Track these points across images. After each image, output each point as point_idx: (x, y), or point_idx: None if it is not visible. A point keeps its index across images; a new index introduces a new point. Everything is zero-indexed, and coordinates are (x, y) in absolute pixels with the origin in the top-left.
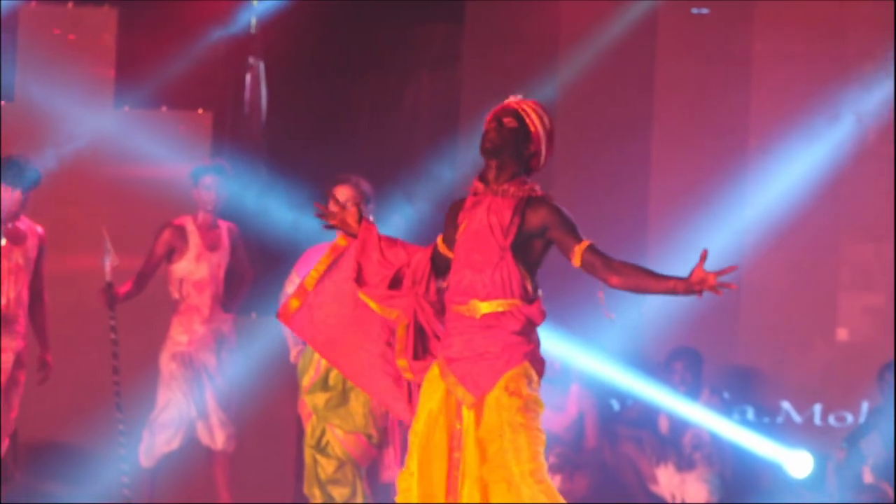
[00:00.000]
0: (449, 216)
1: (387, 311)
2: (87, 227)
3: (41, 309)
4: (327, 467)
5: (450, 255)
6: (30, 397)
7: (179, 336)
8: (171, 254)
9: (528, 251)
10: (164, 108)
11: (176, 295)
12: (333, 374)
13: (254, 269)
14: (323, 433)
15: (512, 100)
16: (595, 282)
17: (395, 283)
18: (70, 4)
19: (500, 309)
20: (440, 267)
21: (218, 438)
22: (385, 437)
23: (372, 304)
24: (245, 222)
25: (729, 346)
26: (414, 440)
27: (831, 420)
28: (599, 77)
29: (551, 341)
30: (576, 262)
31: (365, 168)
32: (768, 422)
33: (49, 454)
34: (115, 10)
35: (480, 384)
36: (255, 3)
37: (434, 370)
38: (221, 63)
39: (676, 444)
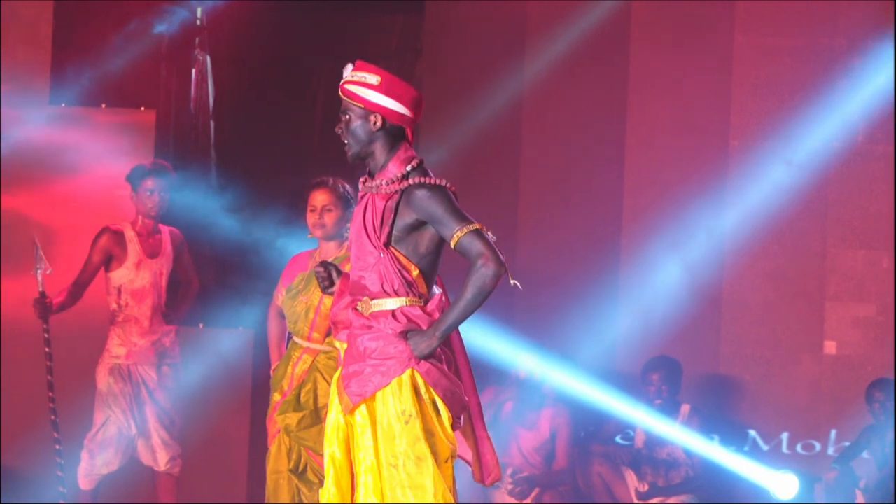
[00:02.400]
0: None
1: None
2: (18, 234)
3: None
4: (311, 496)
5: None
6: None
7: (117, 349)
8: (109, 261)
9: (415, 245)
10: (103, 106)
11: (114, 305)
12: (304, 391)
13: (201, 277)
14: (300, 456)
15: (341, 81)
16: (572, 295)
17: None
18: None
19: (385, 308)
20: None
21: (160, 459)
22: None
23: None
24: (192, 227)
25: (710, 361)
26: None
27: (833, 438)
28: (569, 73)
29: (526, 357)
30: (453, 246)
31: (320, 166)
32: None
33: None
34: (50, 1)
35: (358, 390)
36: None
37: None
38: (165, 58)
39: (652, 462)
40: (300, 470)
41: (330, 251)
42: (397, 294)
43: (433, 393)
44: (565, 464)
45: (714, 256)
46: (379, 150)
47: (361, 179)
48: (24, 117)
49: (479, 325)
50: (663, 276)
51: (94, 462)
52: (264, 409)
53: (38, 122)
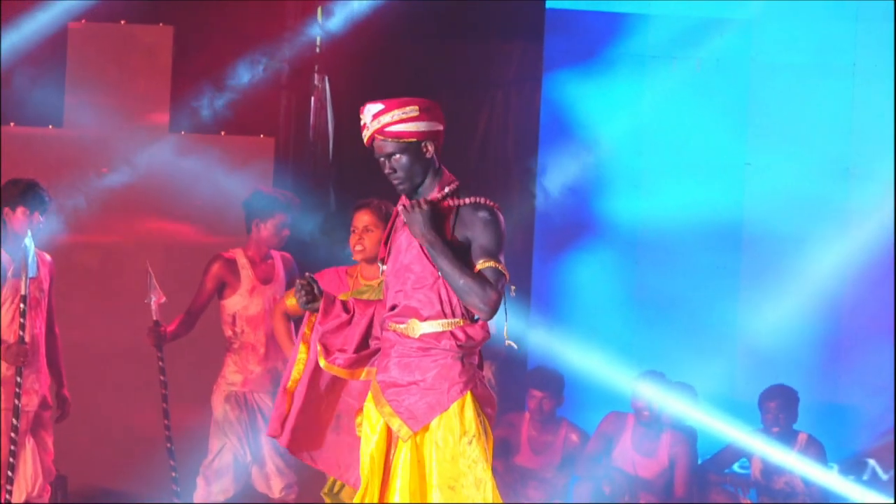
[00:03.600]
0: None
1: (357, 373)
2: (138, 260)
3: (54, 343)
4: None
5: None
6: (79, 444)
7: (233, 376)
8: (223, 289)
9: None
10: (222, 133)
11: (229, 332)
12: None
13: None
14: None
15: (374, 128)
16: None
17: (364, 342)
18: (122, 22)
19: (440, 329)
20: None
21: (275, 487)
22: None
23: (340, 373)
24: (309, 254)
25: (829, 390)
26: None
27: None
28: (689, 97)
29: (644, 385)
30: (477, 266)
31: None
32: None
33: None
34: (170, 28)
35: (418, 416)
36: (319, 20)
37: (370, 397)
38: (284, 85)
39: (769, 492)
40: (335, 491)
41: (372, 273)
42: (454, 314)
43: (484, 415)
44: (683, 492)
45: (834, 284)
46: (427, 177)
47: (402, 202)
48: (143, 145)
49: (599, 352)
50: (782, 305)
51: (211, 489)
52: None
53: (158, 149)
